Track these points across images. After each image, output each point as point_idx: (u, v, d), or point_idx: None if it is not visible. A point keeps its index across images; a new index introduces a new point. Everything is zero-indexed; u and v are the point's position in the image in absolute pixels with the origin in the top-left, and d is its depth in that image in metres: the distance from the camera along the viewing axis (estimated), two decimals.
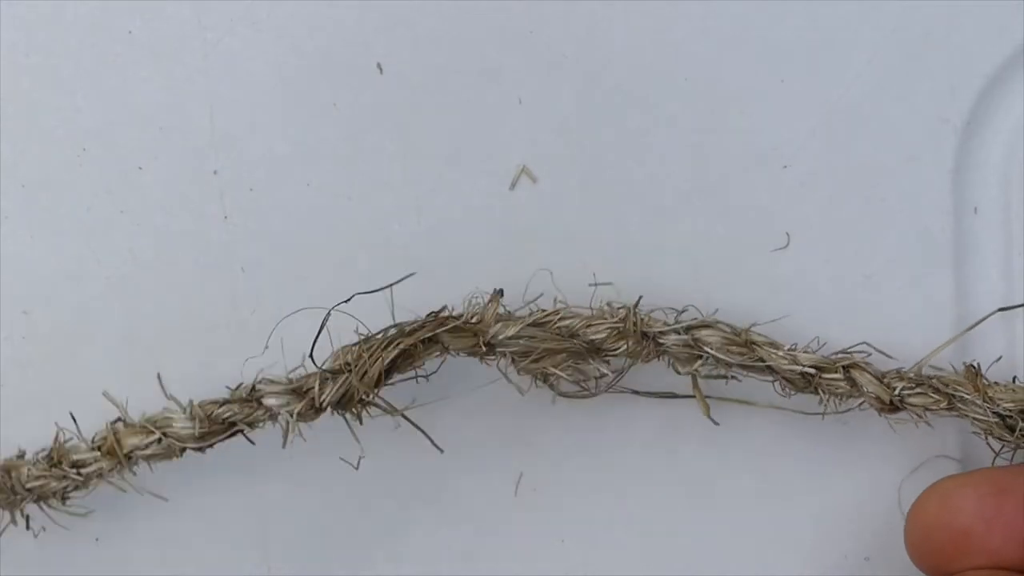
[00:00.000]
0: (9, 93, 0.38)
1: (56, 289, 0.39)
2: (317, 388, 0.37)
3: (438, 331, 0.37)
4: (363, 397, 0.37)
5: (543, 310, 0.38)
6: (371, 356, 0.37)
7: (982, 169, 0.39)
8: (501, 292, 0.38)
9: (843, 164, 0.39)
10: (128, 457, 0.37)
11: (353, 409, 0.37)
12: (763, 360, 0.37)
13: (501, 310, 0.37)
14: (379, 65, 0.38)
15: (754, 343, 0.38)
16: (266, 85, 0.38)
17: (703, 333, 0.38)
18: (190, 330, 0.39)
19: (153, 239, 0.39)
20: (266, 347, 0.39)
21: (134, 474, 0.37)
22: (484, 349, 0.37)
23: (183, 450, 0.37)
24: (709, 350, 0.37)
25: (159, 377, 0.39)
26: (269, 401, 0.37)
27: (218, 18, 0.38)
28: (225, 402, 0.37)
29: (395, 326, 0.37)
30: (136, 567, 0.39)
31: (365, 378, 0.37)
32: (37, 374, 0.39)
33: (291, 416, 0.37)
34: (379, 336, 0.37)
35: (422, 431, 0.38)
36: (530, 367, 0.38)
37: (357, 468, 0.38)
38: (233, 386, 0.39)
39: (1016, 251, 0.39)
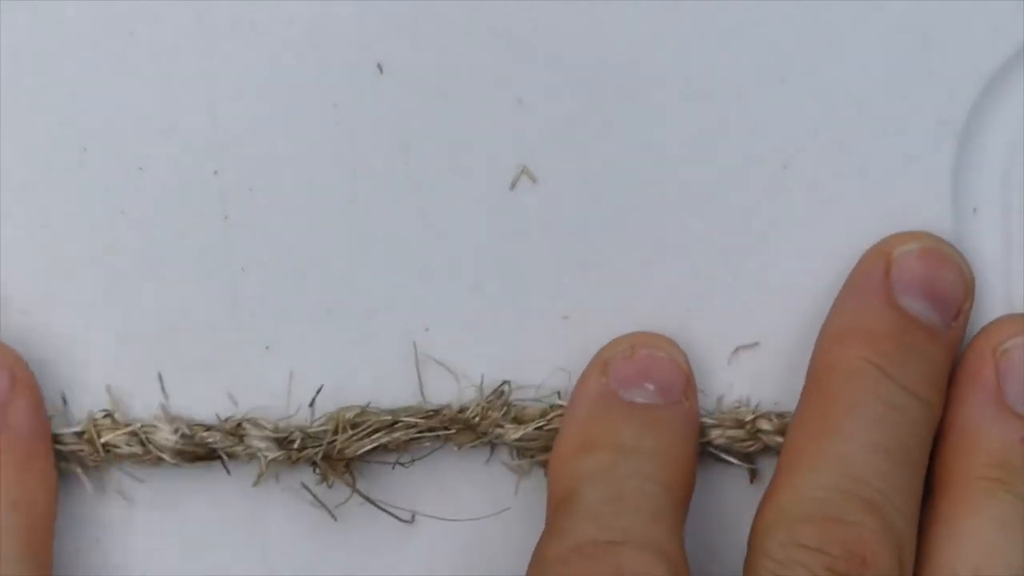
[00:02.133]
0: (9, 93, 0.38)
1: (56, 289, 0.39)
2: (297, 445, 0.38)
3: (434, 434, 0.38)
4: (326, 475, 0.38)
5: (551, 406, 0.38)
6: (354, 435, 0.37)
7: (982, 169, 0.39)
8: (507, 385, 0.38)
9: (843, 164, 0.39)
10: (106, 450, 0.38)
11: (326, 477, 0.38)
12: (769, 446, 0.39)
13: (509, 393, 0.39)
14: (379, 65, 0.38)
15: (759, 431, 0.38)
16: (266, 85, 0.38)
17: (712, 435, 0.38)
18: (190, 330, 0.39)
19: (153, 239, 0.39)
20: (267, 348, 0.39)
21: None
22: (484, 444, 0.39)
23: (160, 460, 0.38)
24: (714, 451, 0.39)
25: (160, 377, 0.39)
26: (250, 441, 0.38)
27: (218, 18, 0.38)
28: (210, 428, 0.38)
29: (392, 412, 0.38)
30: (136, 568, 0.39)
31: (338, 455, 0.38)
32: (37, 374, 0.39)
33: (266, 461, 0.38)
34: (372, 418, 0.38)
35: (381, 507, 0.39)
36: (532, 461, 0.39)
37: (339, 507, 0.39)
38: (230, 392, 0.39)
39: (1016, 251, 0.39)
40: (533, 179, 0.39)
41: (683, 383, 0.38)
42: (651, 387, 0.37)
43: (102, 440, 0.38)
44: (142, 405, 0.39)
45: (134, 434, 0.38)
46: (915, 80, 0.38)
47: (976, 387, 0.37)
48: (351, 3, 0.38)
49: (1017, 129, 0.39)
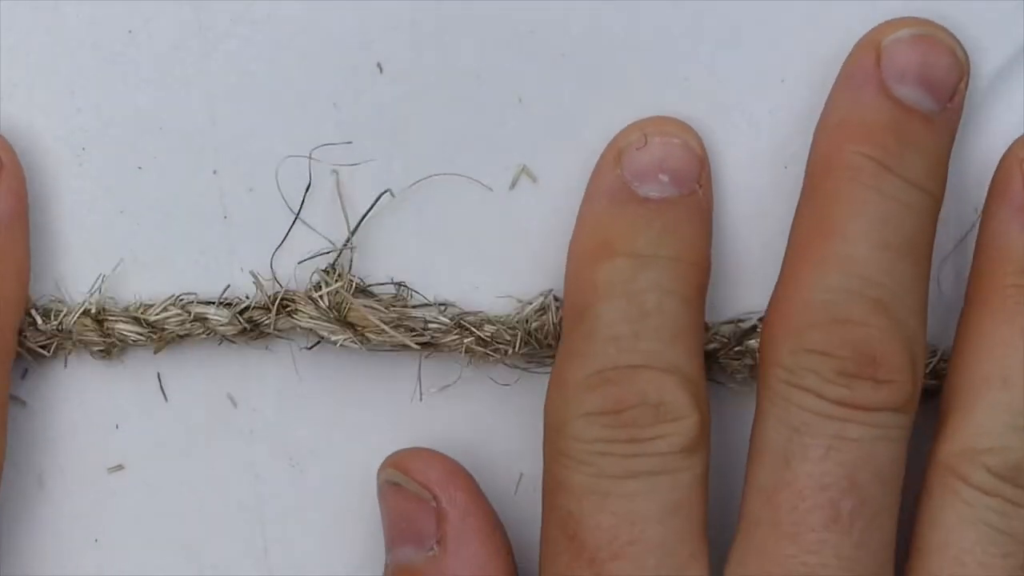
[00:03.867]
0: (9, 93, 0.38)
1: (55, 288, 0.39)
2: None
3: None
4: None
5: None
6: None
7: (982, 169, 0.39)
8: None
9: None
10: (106, 332, 0.38)
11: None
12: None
13: None
14: (379, 65, 0.38)
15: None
16: (266, 85, 0.38)
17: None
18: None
19: (153, 239, 0.39)
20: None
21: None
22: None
23: (161, 338, 0.38)
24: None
25: (159, 377, 0.39)
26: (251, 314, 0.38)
27: (218, 18, 0.38)
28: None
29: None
30: (135, 567, 0.39)
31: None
32: (38, 377, 0.39)
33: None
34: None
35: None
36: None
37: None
38: (230, 392, 0.39)
39: None
40: (533, 179, 0.39)
41: (697, 169, 0.37)
42: (665, 178, 0.37)
43: (103, 310, 0.38)
44: (142, 402, 0.39)
45: (136, 319, 0.38)
46: None
47: (1003, 200, 0.37)
48: (351, 3, 0.38)
49: (1017, 129, 0.39)
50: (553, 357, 0.38)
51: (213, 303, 0.38)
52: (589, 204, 0.37)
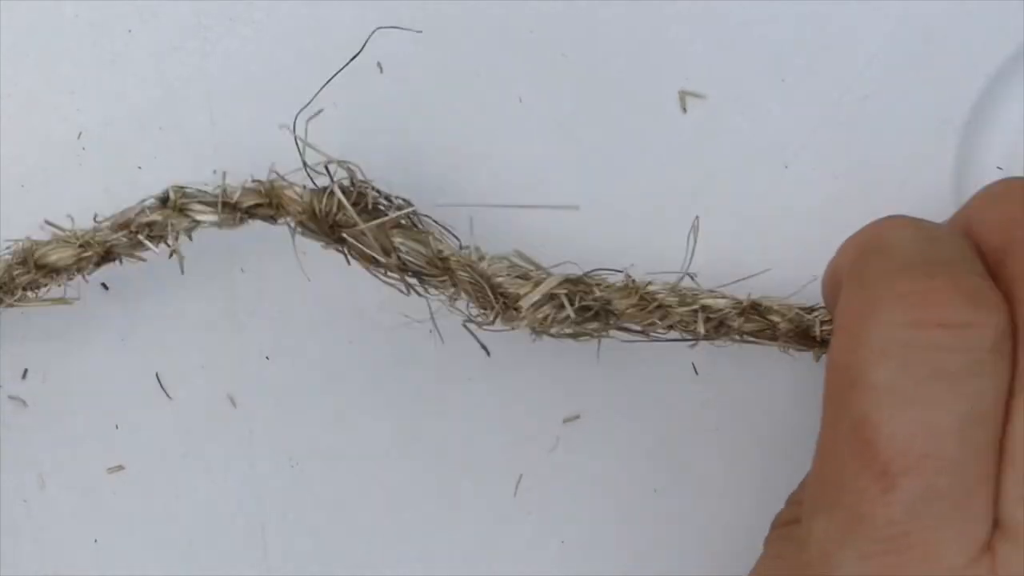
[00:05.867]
0: (9, 92, 0.38)
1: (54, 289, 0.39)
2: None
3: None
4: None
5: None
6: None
7: (982, 169, 0.39)
8: None
9: (843, 164, 0.39)
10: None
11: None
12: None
13: None
14: (379, 65, 0.38)
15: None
16: (266, 85, 0.38)
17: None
18: (189, 330, 0.39)
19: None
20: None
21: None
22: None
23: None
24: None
25: (158, 377, 0.39)
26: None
27: (218, 18, 0.38)
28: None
29: None
30: (135, 567, 0.39)
31: None
32: (39, 382, 0.39)
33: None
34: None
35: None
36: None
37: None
38: (230, 393, 0.39)
39: None
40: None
41: None
42: None
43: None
44: (142, 402, 0.39)
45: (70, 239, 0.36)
46: (916, 79, 0.38)
47: None
48: (351, 3, 0.38)
49: (1017, 129, 0.39)
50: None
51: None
52: None
